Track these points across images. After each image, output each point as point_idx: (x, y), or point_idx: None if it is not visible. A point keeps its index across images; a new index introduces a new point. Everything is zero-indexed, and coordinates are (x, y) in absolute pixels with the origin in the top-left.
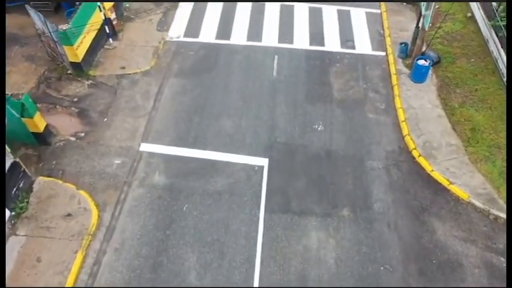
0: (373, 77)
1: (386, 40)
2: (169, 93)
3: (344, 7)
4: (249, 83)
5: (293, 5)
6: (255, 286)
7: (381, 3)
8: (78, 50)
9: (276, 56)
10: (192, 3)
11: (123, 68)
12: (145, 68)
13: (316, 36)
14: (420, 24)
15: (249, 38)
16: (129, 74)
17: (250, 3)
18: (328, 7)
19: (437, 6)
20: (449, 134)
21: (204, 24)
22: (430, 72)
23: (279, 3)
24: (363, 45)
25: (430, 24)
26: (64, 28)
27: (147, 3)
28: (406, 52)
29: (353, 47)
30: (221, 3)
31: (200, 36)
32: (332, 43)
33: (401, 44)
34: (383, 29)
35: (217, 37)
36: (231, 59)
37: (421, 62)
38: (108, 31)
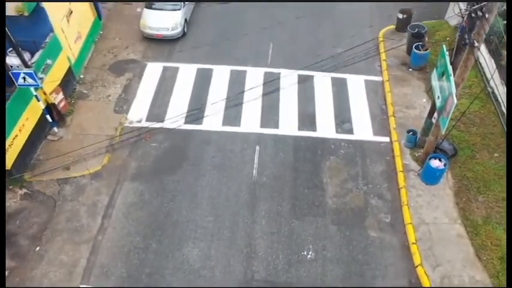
0: (376, 174)
1: (390, 121)
2: (123, 206)
3: (340, 74)
4: (223, 189)
5: (279, 73)
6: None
7: (383, 70)
8: (7, 156)
9: (258, 147)
10: (160, 72)
11: (68, 168)
12: (96, 168)
13: (307, 117)
14: (434, 119)
15: (225, 122)
16: (75, 177)
17: (228, 72)
18: (321, 75)
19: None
20: (472, 263)
21: (172, 101)
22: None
23: (262, 70)
24: (363, 127)
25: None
26: None
27: (106, 74)
28: (414, 142)
29: (350, 131)
30: (194, 74)
31: (166, 120)
32: (325, 126)
33: (408, 132)
34: (385, 105)
35: (187, 120)
36: (202, 152)
37: (435, 163)
38: (51, 120)
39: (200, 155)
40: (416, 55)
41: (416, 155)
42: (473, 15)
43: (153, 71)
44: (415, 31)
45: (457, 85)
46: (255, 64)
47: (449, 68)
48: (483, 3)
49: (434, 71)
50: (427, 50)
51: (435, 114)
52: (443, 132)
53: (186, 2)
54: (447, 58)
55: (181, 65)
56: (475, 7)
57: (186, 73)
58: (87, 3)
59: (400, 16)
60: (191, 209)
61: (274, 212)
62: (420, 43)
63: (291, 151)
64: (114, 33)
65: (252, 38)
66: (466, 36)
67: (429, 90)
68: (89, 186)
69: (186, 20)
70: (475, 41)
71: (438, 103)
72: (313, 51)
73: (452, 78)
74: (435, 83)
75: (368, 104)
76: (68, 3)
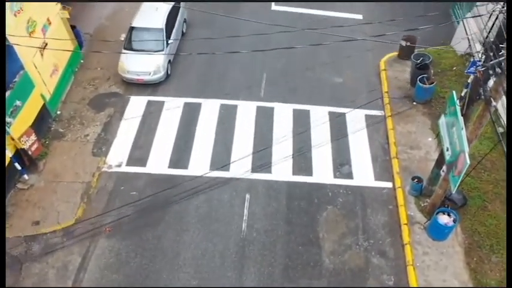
0: (377, 227)
1: (393, 164)
2: (96, 269)
3: (338, 109)
4: (209, 246)
5: (273, 107)
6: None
7: (385, 103)
8: None
9: (248, 196)
10: (143, 107)
11: (37, 223)
12: (69, 222)
13: (302, 158)
14: (442, 172)
15: (213, 164)
16: (45, 233)
17: (218, 106)
18: (318, 109)
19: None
20: None
21: (156, 142)
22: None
23: (255, 104)
24: (363, 171)
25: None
26: None
27: (85, 109)
28: (420, 191)
29: (350, 175)
30: (180, 110)
31: (148, 164)
32: (322, 170)
33: (413, 179)
34: (388, 144)
35: (171, 164)
36: (187, 202)
37: (444, 219)
38: (20, 167)
39: (184, 206)
40: (421, 88)
41: (422, 204)
42: (490, 71)
43: (136, 106)
44: (419, 61)
45: (469, 141)
46: (246, 98)
47: (461, 120)
48: (502, 59)
49: (443, 117)
50: (432, 83)
51: (444, 168)
52: (453, 191)
53: (169, 42)
54: (458, 108)
55: (167, 99)
56: (493, 62)
57: (172, 108)
58: (65, 32)
59: (403, 44)
60: (172, 271)
61: (265, 274)
62: (425, 75)
63: (284, 200)
64: (96, 63)
65: (243, 71)
66: (482, 91)
67: (437, 136)
68: (59, 244)
69: (169, 61)
70: (492, 99)
71: (447, 156)
72: (310, 81)
73: (464, 133)
74: (443, 131)
75: (369, 143)
76: (42, 36)
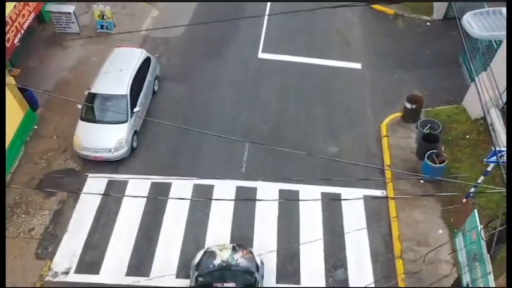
0: None
1: (397, 266)
2: None
3: (332, 188)
4: None
5: (256, 188)
6: None
7: (388, 181)
8: None
9: None
10: (103, 189)
11: None
12: None
13: (288, 260)
14: None
15: (180, 270)
16: None
17: (190, 188)
18: (309, 189)
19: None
20: None
21: (114, 238)
22: None
23: (234, 184)
24: (361, 276)
25: None
26: None
27: (33, 193)
28: None
29: (345, 282)
30: (146, 192)
31: (103, 270)
32: (312, 275)
33: None
34: (391, 237)
35: (130, 271)
36: None
37: None
38: None
39: None
40: (429, 167)
41: None
42: None
43: (94, 188)
44: (427, 130)
45: None
46: (225, 175)
47: (487, 261)
48: None
49: (461, 237)
50: (443, 162)
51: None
52: None
53: (135, 110)
54: (483, 244)
55: (131, 177)
56: None
57: (137, 190)
58: (12, 100)
59: (409, 106)
60: None
61: None
62: (434, 150)
63: None
64: (51, 129)
65: (222, 140)
66: None
67: (452, 252)
68: None
69: (136, 131)
70: None
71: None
72: (301, 150)
73: (491, 280)
74: (462, 256)
75: (368, 236)
76: None
